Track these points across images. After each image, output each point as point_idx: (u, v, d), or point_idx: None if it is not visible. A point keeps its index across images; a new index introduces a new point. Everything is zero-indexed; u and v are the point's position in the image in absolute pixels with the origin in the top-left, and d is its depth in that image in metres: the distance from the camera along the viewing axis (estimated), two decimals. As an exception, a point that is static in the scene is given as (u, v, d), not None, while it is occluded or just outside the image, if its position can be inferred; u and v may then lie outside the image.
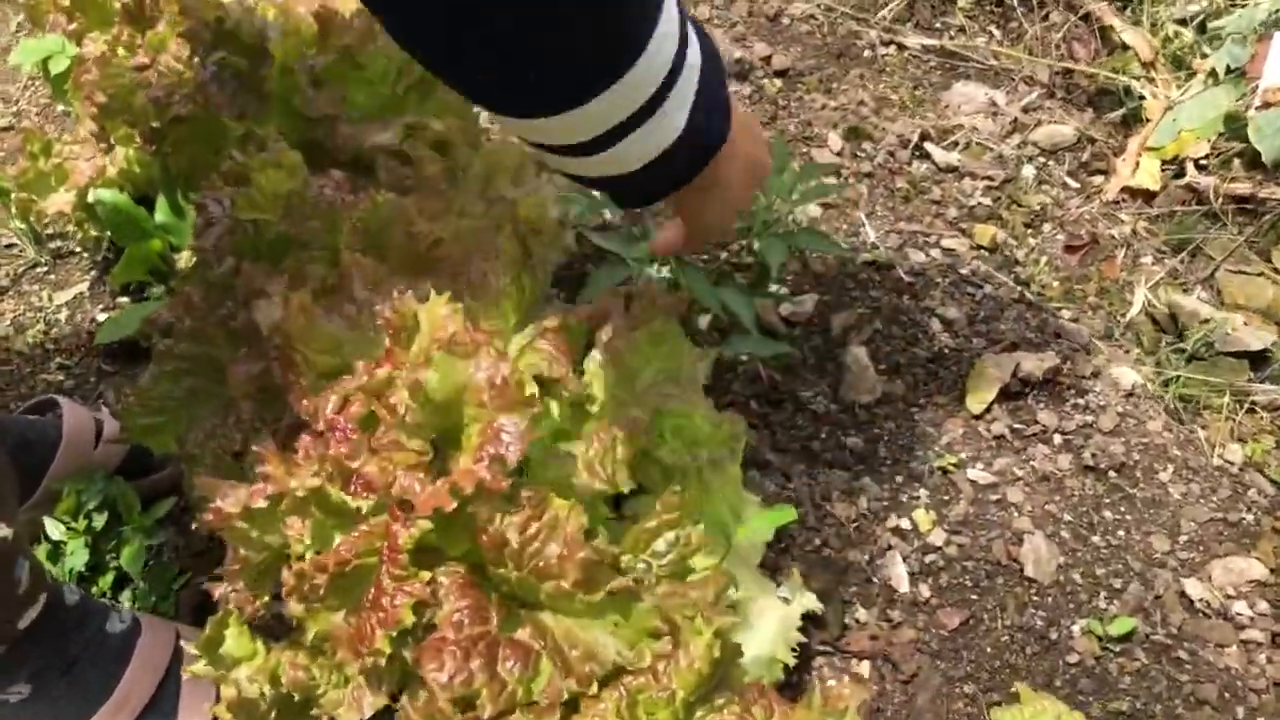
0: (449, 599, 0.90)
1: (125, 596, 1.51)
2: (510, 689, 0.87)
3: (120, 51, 1.64)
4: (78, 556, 1.51)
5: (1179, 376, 1.82)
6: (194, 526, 1.00)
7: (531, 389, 0.92)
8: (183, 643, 1.30)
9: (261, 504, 0.91)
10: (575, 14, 0.72)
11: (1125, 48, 2.42)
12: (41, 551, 1.50)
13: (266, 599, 0.96)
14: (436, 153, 1.43)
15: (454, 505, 0.85)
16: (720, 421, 1.23)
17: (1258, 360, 1.86)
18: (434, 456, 0.93)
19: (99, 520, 1.53)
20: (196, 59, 1.46)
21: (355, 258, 1.20)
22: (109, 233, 1.83)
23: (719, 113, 0.96)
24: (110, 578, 1.52)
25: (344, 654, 0.87)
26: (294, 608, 0.90)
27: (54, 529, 1.52)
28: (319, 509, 0.91)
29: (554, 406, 1.06)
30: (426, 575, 0.90)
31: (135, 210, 1.77)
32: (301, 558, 0.93)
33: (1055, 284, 2.03)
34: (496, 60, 0.73)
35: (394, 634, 0.86)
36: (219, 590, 0.96)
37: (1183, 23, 2.46)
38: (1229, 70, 2.24)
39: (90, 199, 1.79)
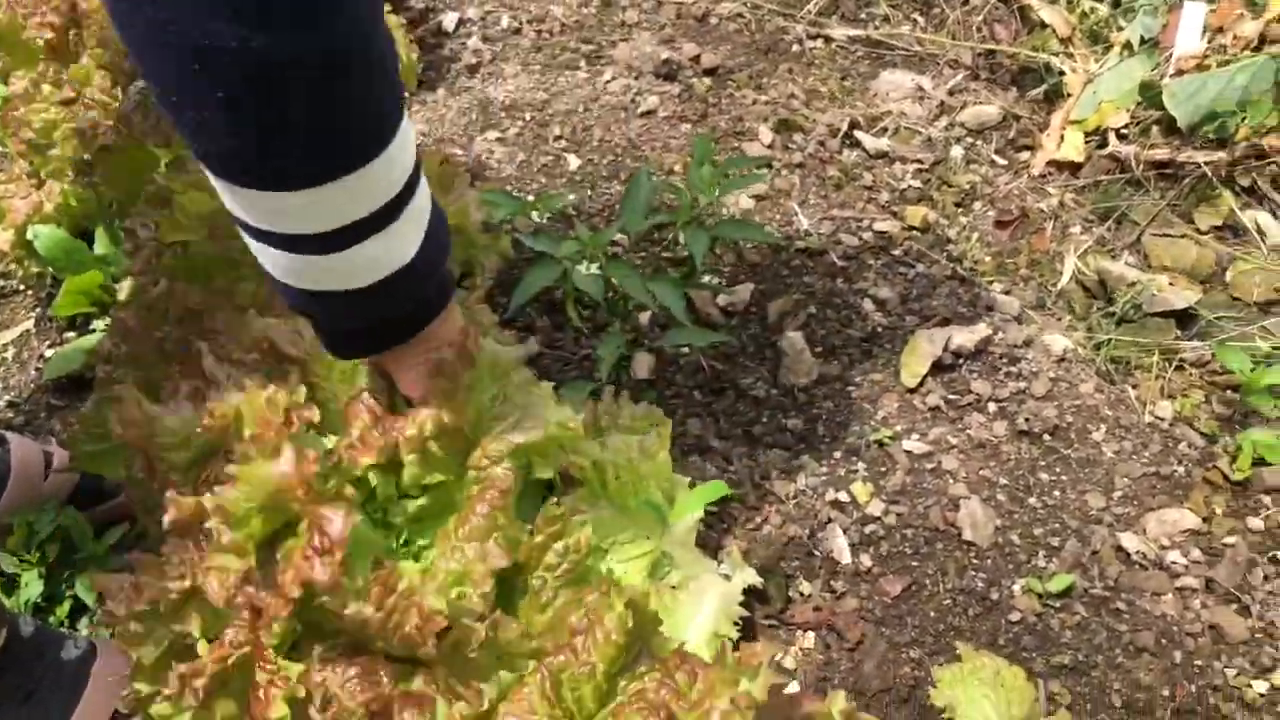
0: (336, 671, 0.91)
1: (83, 624, 1.53)
2: None
3: (46, 88, 1.66)
4: (32, 588, 1.53)
5: (1109, 339, 1.87)
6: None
7: (341, 484, 0.94)
8: None
9: (144, 607, 0.94)
10: (327, 91, 0.76)
11: (1044, 26, 2.48)
12: (-4, 585, 1.51)
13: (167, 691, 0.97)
14: (362, 166, 1.45)
15: (290, 608, 0.87)
16: (644, 413, 1.26)
17: (1184, 319, 1.91)
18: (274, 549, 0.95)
19: (52, 551, 1.55)
20: (118, 90, 1.48)
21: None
22: (50, 268, 1.85)
23: (443, 275, 1.00)
24: (67, 607, 1.53)
25: None
26: (189, 703, 0.91)
27: (6, 562, 1.53)
28: (197, 609, 0.94)
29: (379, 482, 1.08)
30: (298, 669, 0.92)
31: (74, 244, 1.79)
32: (194, 652, 0.95)
33: (987, 259, 2.07)
34: (243, 127, 0.76)
35: None
36: (124, 692, 0.98)
37: (1098, -2, 2.52)
38: (1143, 41, 2.30)
39: (29, 235, 1.81)
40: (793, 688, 1.31)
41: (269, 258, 0.90)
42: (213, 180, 0.85)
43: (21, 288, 2.03)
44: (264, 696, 0.89)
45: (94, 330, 1.89)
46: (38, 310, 1.98)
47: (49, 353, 1.90)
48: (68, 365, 1.82)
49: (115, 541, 1.58)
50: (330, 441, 1.03)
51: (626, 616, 0.93)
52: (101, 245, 1.81)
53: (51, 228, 1.79)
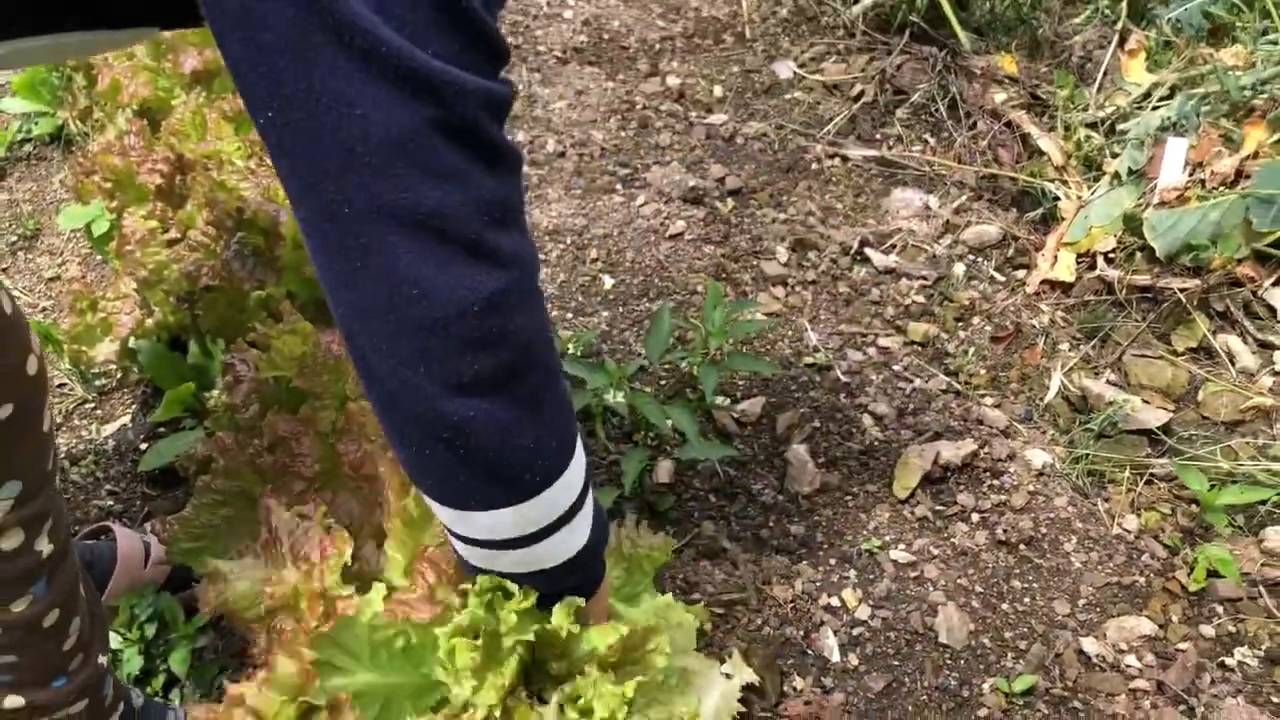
0: None
1: (175, 695, 1.76)
2: None
3: (154, 223, 1.93)
4: (133, 663, 1.77)
5: (1087, 454, 2.07)
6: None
7: None
8: None
9: None
10: (518, 442, 0.99)
11: (1041, 153, 2.71)
12: (103, 659, 1.76)
13: None
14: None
15: None
16: (660, 542, 1.50)
17: (1157, 436, 2.12)
18: None
19: (150, 629, 1.79)
20: (220, 238, 1.75)
21: (357, 408, 1.48)
22: (148, 375, 2.12)
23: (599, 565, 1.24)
24: (161, 680, 1.77)
25: None
26: None
27: (113, 639, 1.78)
28: None
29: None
30: None
31: (171, 356, 2.06)
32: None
33: (982, 372, 2.29)
34: (438, 470, 0.99)
35: None
36: None
37: (1093, 126, 2.75)
38: (1130, 172, 2.52)
39: (131, 345, 2.08)
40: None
41: (464, 551, 1.12)
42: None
43: (117, 386, 2.30)
44: None
45: (184, 428, 2.15)
46: (134, 407, 2.25)
47: (143, 446, 2.17)
48: (160, 460, 2.08)
49: (204, 623, 1.82)
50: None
51: None
52: (193, 357, 2.07)
53: (152, 342, 2.06)
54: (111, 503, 2.08)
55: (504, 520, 1.04)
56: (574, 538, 1.13)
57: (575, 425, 1.09)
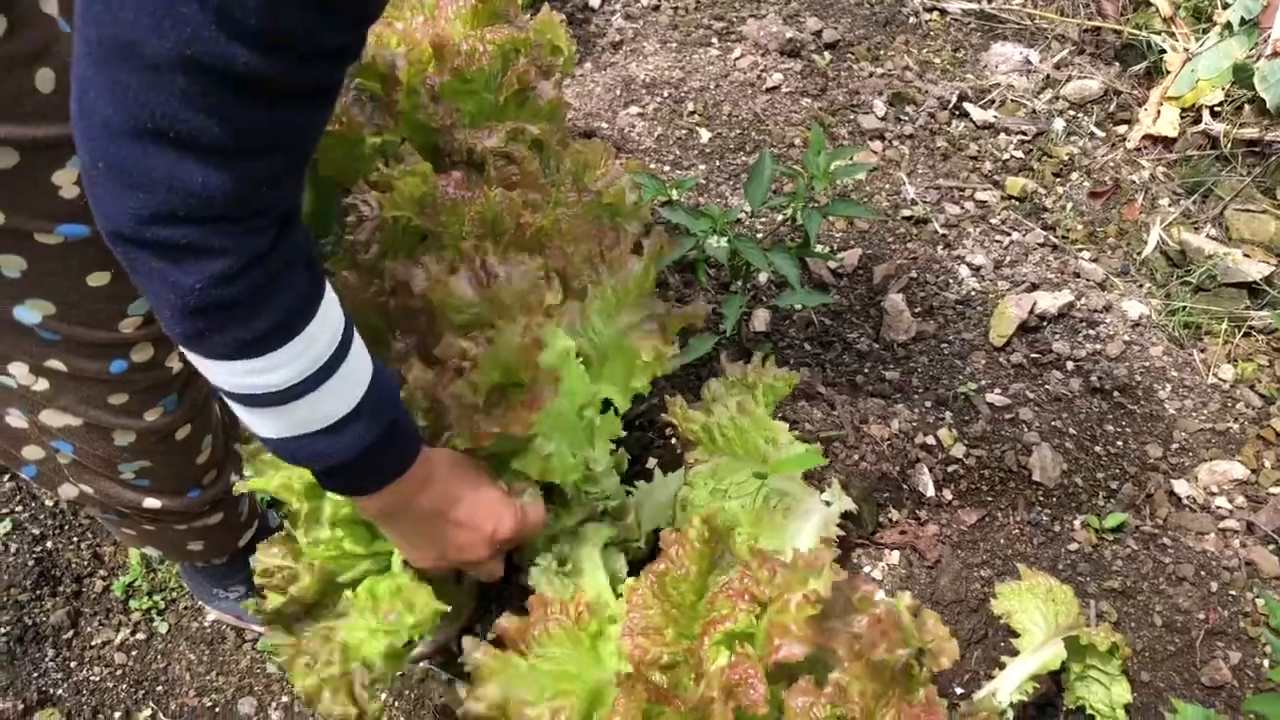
0: None
1: (304, 518, 1.89)
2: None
3: (270, 75, 1.99)
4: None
5: (1184, 306, 2.08)
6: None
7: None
8: None
9: None
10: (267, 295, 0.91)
11: (1148, 4, 2.63)
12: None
13: None
14: (534, 152, 1.76)
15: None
16: (744, 373, 1.56)
17: (1257, 289, 2.11)
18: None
19: (280, 459, 1.92)
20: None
21: (471, 245, 1.55)
22: (265, 223, 2.21)
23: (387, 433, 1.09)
24: (291, 504, 1.90)
25: None
26: None
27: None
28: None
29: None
30: None
31: (287, 204, 2.14)
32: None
33: (1079, 227, 2.28)
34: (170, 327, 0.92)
35: None
36: None
37: (1205, -24, 2.66)
38: (1243, 22, 2.45)
39: (248, 196, 2.16)
40: (877, 594, 1.60)
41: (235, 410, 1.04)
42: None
43: (235, 236, 2.40)
44: None
45: (300, 276, 2.25)
46: (250, 256, 2.35)
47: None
48: (279, 305, 2.18)
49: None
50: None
51: (703, 529, 1.22)
52: (309, 205, 2.15)
53: (269, 190, 2.14)
54: (234, 345, 2.20)
55: (222, 370, 0.96)
56: (336, 393, 1.03)
57: (314, 293, 0.99)
